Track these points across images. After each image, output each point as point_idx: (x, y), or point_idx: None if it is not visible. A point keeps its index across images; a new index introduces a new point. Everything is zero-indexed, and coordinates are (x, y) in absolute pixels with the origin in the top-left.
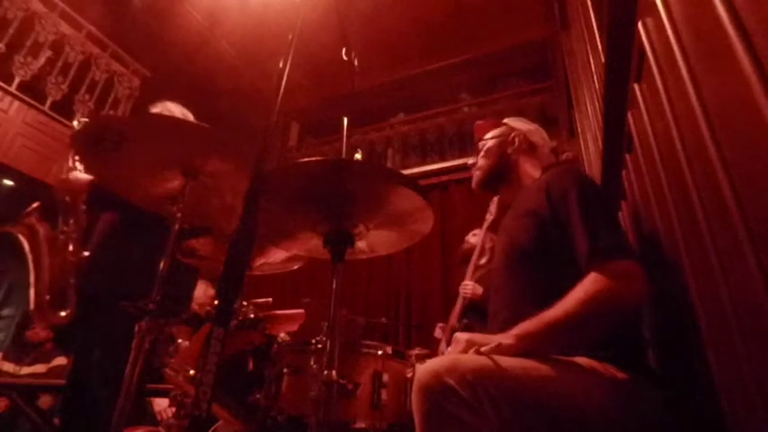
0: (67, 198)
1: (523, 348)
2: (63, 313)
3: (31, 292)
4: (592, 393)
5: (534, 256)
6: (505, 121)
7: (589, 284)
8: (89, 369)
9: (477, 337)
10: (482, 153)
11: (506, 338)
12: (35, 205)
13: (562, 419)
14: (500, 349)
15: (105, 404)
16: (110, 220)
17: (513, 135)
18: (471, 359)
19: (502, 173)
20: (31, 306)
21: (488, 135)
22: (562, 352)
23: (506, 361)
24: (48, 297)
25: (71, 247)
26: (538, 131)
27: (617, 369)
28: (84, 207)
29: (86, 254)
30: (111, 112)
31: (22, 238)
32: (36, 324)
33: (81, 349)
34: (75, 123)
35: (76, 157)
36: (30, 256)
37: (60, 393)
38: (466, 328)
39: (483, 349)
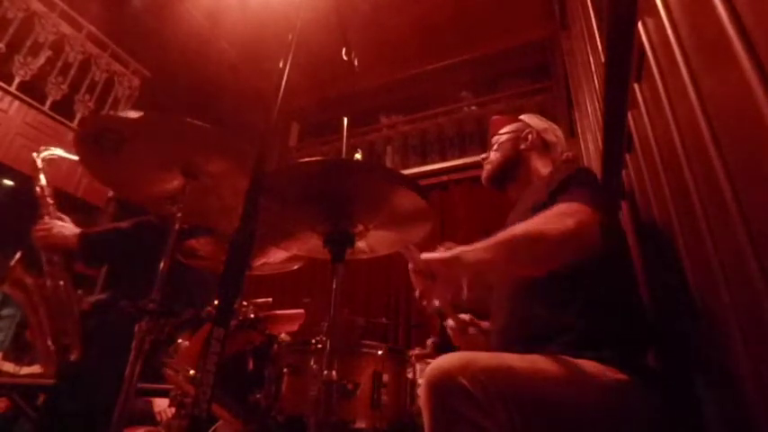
0: (47, 248)
1: (487, 259)
2: (72, 357)
3: (36, 344)
4: (595, 395)
5: None
6: (521, 117)
7: (548, 211)
8: (83, 371)
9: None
10: (495, 147)
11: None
12: (18, 257)
13: (567, 420)
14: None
15: (102, 406)
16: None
17: (527, 132)
18: (482, 358)
19: (512, 168)
20: (39, 360)
21: (503, 130)
22: (523, 269)
23: (516, 362)
24: (52, 346)
25: (64, 290)
26: (553, 130)
27: (618, 370)
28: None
29: (80, 293)
30: (111, 112)
31: (15, 298)
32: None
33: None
34: (42, 154)
35: (50, 200)
36: (27, 312)
37: (48, 392)
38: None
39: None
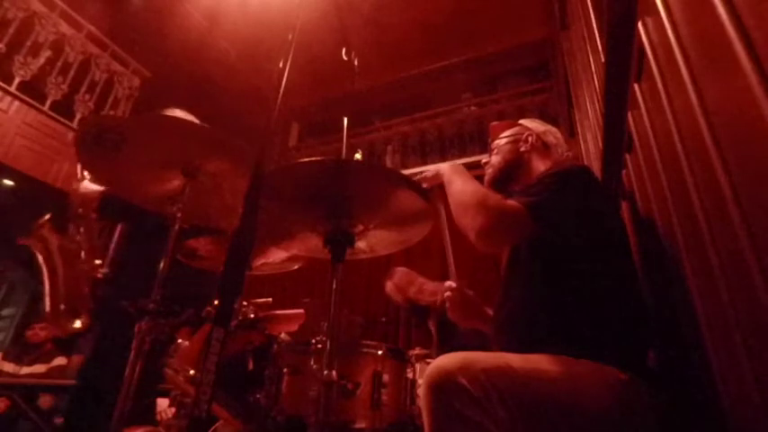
0: (80, 209)
1: (449, 184)
2: (78, 323)
3: (47, 301)
4: (595, 395)
5: (534, 250)
6: (521, 121)
7: (493, 195)
8: (102, 371)
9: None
10: (495, 151)
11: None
12: (47, 217)
13: (567, 420)
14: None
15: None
16: (124, 231)
17: (526, 134)
18: (482, 358)
19: (514, 170)
20: (47, 316)
21: (503, 135)
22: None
23: (516, 362)
24: (63, 306)
25: (83, 257)
26: (552, 132)
27: (618, 370)
28: (94, 216)
29: (98, 262)
30: (111, 112)
31: (35, 250)
32: (52, 332)
33: (95, 351)
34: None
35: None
36: (44, 268)
37: (69, 392)
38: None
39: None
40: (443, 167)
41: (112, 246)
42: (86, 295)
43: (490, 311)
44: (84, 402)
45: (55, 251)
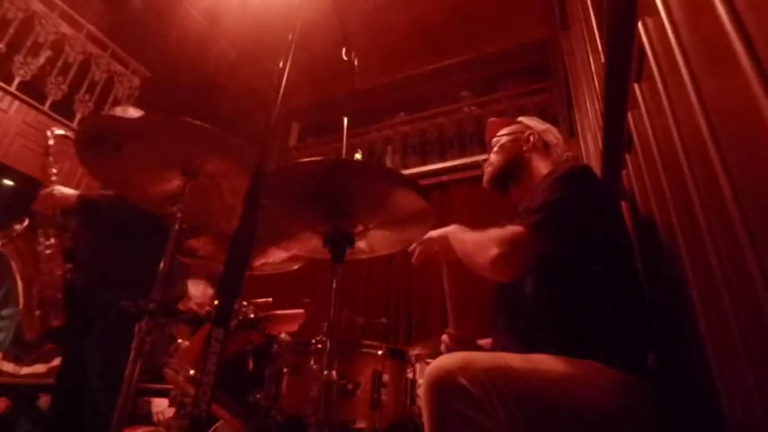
0: (50, 211)
1: (448, 241)
2: (54, 324)
3: (20, 307)
4: (595, 395)
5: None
6: (520, 119)
7: (495, 230)
8: (84, 371)
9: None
10: (495, 149)
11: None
12: (25, 224)
13: (568, 420)
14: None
15: (105, 406)
16: (99, 229)
17: (528, 133)
18: (482, 358)
19: (514, 170)
20: (22, 322)
21: (502, 132)
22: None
23: (517, 362)
24: (38, 312)
25: (55, 261)
26: (552, 131)
27: (618, 370)
28: (63, 219)
29: (69, 266)
30: (111, 112)
31: (10, 258)
32: (26, 334)
33: (74, 351)
34: (51, 133)
35: (54, 170)
36: (18, 276)
37: (51, 394)
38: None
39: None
40: (443, 230)
41: (78, 246)
42: (59, 300)
43: (483, 342)
44: (67, 401)
45: (29, 258)
